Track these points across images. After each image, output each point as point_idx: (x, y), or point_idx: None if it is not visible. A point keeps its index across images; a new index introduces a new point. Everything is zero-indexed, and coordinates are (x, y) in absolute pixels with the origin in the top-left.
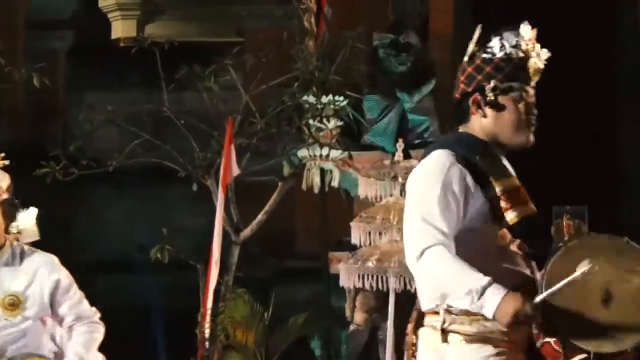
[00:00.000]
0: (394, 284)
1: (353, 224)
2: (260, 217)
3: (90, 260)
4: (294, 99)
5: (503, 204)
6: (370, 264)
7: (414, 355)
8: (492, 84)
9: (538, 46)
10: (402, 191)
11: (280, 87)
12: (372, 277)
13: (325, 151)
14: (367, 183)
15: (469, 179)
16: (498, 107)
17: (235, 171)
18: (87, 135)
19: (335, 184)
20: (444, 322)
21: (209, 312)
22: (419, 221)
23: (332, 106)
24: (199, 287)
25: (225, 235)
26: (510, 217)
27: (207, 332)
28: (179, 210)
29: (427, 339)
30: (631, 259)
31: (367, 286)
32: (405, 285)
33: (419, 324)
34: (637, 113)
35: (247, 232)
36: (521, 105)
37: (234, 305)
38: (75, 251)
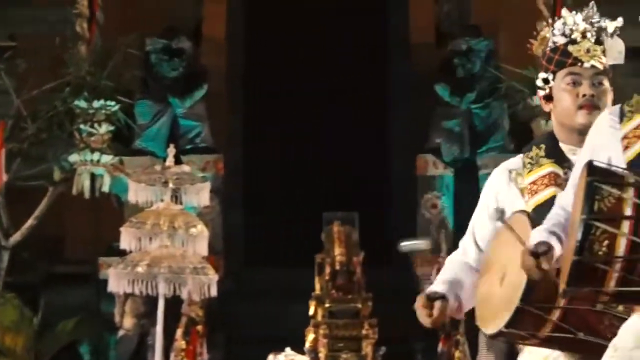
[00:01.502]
0: (163, 289)
1: (123, 229)
2: (30, 221)
3: None
4: (65, 104)
5: (527, 195)
6: (139, 269)
7: None
8: (542, 75)
9: (586, 25)
10: (173, 196)
11: (52, 92)
12: (142, 282)
13: (96, 156)
14: (137, 188)
15: (500, 186)
16: (550, 98)
17: (4, 177)
18: None
19: (105, 188)
20: None
21: None
22: None
23: (103, 111)
24: None
25: None
26: (529, 205)
27: None
28: None
29: None
30: (526, 232)
31: (137, 291)
32: (175, 290)
33: (188, 329)
34: (406, 120)
35: (16, 237)
36: (574, 89)
37: (2, 310)
38: None
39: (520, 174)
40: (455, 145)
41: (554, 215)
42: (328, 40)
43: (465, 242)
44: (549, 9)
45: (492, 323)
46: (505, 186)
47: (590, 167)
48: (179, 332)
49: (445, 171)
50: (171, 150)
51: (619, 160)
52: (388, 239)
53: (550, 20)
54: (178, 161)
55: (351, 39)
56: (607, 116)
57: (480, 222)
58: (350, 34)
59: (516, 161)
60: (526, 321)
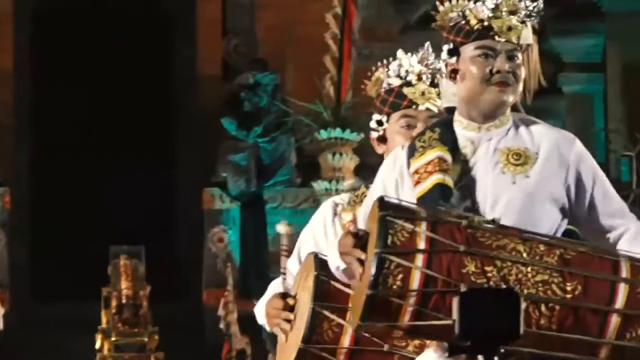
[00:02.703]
0: None
1: None
2: None
3: None
4: None
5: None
6: None
7: None
8: (377, 117)
9: (422, 67)
10: None
11: None
12: None
13: None
14: None
15: (327, 217)
16: (384, 140)
17: None
18: None
19: None
20: None
21: None
22: None
23: None
24: None
25: None
26: None
27: None
28: None
29: None
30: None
31: None
32: None
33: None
34: (192, 154)
35: None
36: (408, 132)
37: None
38: None
39: (346, 209)
40: (242, 179)
41: None
42: (115, 71)
43: (290, 264)
44: (336, 44)
45: None
46: (331, 219)
47: (382, 202)
48: None
49: (232, 205)
50: None
51: (409, 196)
52: (175, 272)
53: (337, 56)
54: None
55: (138, 71)
56: (399, 152)
57: (306, 245)
58: (137, 66)
59: (346, 196)
60: None
